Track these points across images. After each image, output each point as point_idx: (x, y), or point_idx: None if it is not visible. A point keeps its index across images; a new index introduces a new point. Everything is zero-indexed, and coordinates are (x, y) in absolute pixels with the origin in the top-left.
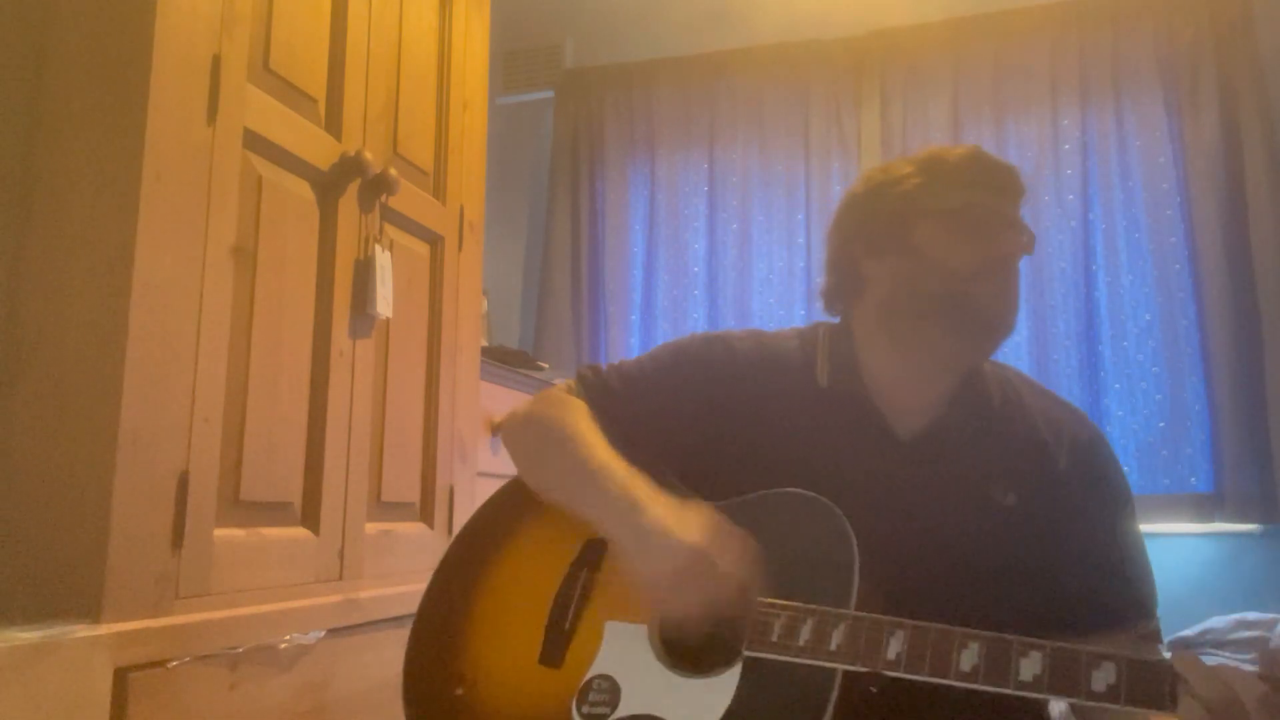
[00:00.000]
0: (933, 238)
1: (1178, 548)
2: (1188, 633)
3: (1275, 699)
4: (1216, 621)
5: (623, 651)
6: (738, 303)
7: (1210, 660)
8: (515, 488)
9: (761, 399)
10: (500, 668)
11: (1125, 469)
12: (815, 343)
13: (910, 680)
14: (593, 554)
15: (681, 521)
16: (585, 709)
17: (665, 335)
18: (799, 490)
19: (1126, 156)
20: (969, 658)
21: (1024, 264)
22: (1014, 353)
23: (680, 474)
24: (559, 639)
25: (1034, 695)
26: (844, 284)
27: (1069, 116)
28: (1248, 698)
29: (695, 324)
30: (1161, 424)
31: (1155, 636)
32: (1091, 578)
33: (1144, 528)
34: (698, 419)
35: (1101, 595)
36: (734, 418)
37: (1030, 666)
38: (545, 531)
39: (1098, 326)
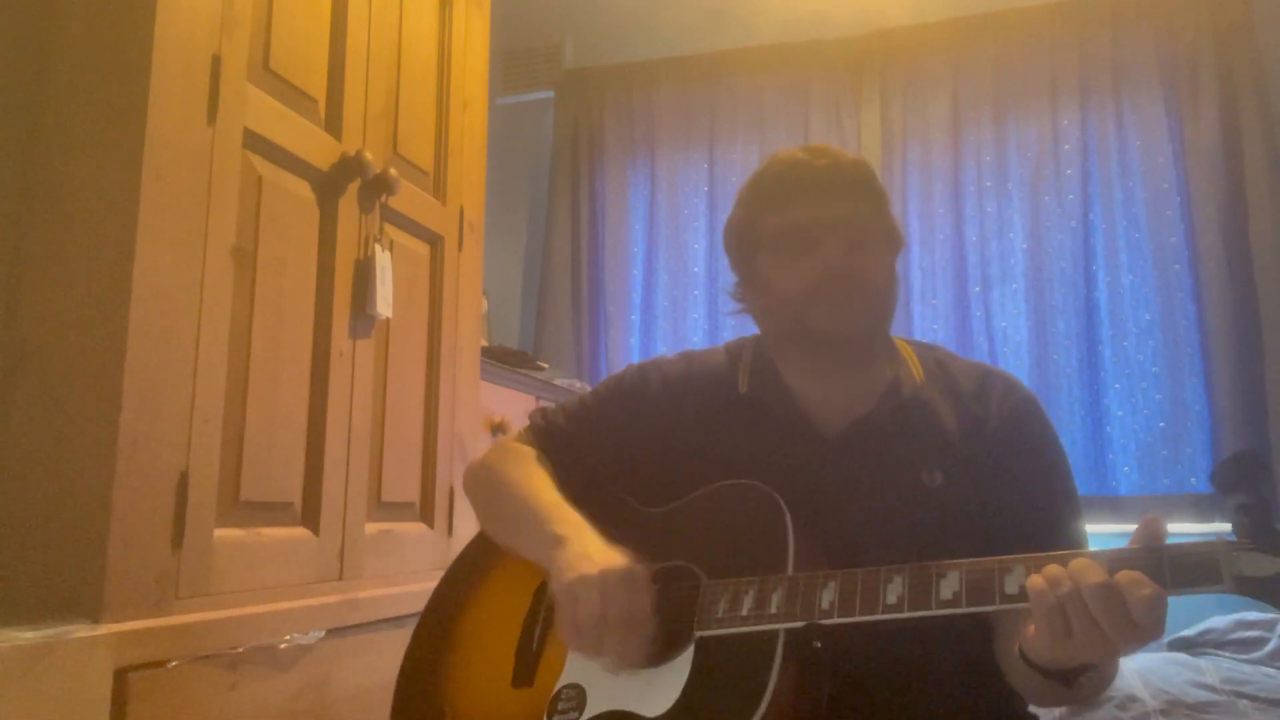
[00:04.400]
0: (768, 268)
1: None
2: (1187, 633)
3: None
4: (1216, 621)
5: (587, 659)
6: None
7: (1207, 659)
8: (485, 534)
9: (693, 411)
10: (479, 697)
11: (1125, 469)
12: (740, 355)
13: (851, 632)
14: None
15: (597, 554)
16: (555, 718)
17: (665, 335)
18: (731, 481)
19: (1126, 156)
20: (894, 590)
21: (1025, 264)
22: (1014, 352)
23: (631, 491)
24: (528, 659)
25: (954, 611)
26: (742, 307)
27: (1069, 116)
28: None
29: (695, 324)
30: (1161, 424)
31: None
32: (1023, 538)
33: None
34: (637, 442)
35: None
36: (671, 433)
37: (949, 585)
38: (514, 566)
39: (1098, 326)
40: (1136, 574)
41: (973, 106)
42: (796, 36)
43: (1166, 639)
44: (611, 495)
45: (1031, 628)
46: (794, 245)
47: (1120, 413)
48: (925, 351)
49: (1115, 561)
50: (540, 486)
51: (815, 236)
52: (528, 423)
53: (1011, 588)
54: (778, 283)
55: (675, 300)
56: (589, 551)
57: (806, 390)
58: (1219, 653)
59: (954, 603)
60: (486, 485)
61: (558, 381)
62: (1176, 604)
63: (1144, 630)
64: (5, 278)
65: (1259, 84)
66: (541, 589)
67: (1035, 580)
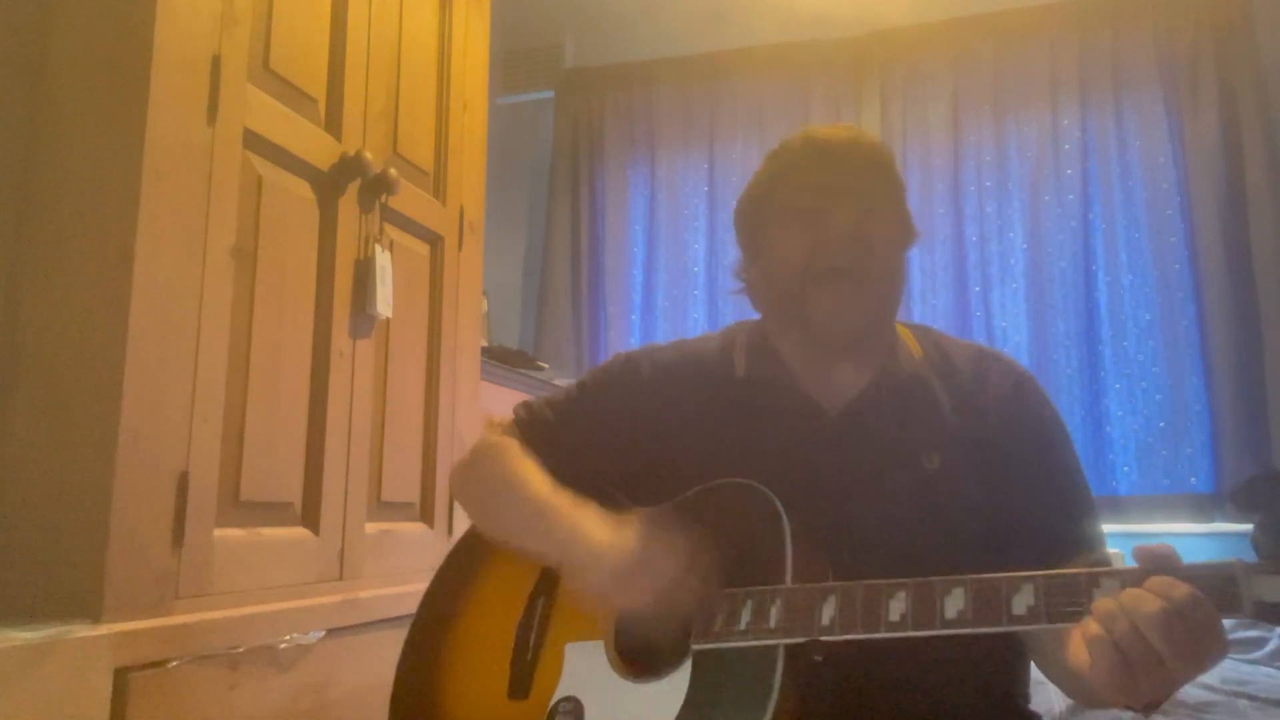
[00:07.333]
0: (776, 237)
1: (1178, 548)
2: None
3: (1175, 622)
4: None
5: (584, 670)
6: (738, 302)
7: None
8: (474, 534)
9: (687, 401)
10: (475, 708)
11: (1125, 469)
12: (735, 338)
13: (853, 644)
14: (548, 582)
15: (617, 535)
16: None
17: (665, 335)
18: (729, 480)
19: (1126, 156)
20: (896, 607)
21: (1025, 264)
22: (1014, 352)
23: (622, 488)
24: (524, 669)
25: (961, 631)
26: (744, 286)
27: (1069, 116)
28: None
29: (695, 324)
30: (1161, 424)
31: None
32: (1029, 520)
33: (1144, 528)
34: (629, 434)
35: (1040, 534)
36: (664, 425)
37: (954, 603)
38: (505, 569)
39: (1098, 326)
40: (1185, 586)
41: (973, 106)
42: (796, 36)
43: None
44: (600, 492)
45: (1088, 659)
46: (806, 210)
47: (1120, 413)
48: (922, 334)
49: (1128, 580)
50: (532, 480)
51: (828, 203)
52: (511, 416)
53: (1019, 608)
54: (784, 252)
55: (675, 300)
56: (616, 545)
57: (805, 369)
58: None
59: (959, 622)
60: (479, 484)
61: (557, 381)
62: None
63: (1209, 649)
64: (5, 278)
65: (1259, 84)
66: (534, 596)
67: (1092, 628)
